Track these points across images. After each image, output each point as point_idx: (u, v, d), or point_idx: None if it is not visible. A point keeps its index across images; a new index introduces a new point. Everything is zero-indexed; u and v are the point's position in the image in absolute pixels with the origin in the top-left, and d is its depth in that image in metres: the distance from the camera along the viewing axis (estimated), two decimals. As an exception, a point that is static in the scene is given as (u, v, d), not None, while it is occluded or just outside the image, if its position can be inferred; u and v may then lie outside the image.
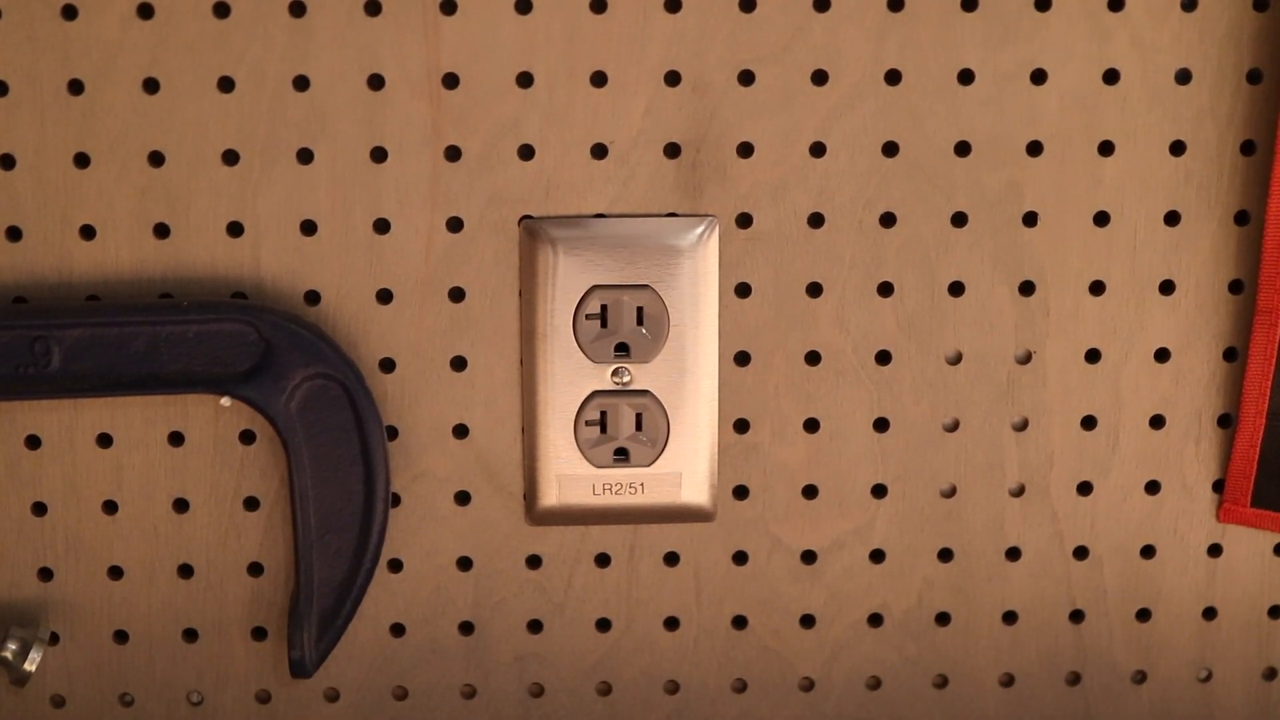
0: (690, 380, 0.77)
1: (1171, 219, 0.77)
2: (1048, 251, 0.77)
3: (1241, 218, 0.77)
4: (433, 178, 0.75)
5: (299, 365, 0.74)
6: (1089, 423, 0.79)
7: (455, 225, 0.75)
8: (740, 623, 0.80)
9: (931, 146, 0.76)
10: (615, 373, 0.76)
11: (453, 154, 0.75)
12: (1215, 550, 0.80)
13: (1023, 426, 0.79)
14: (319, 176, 0.74)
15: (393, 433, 0.77)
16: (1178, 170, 0.77)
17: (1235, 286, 0.78)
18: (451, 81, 0.74)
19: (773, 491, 0.79)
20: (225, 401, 0.75)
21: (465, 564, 0.79)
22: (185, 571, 0.78)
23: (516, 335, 0.76)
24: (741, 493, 0.79)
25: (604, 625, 0.80)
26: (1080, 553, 0.80)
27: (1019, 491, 0.79)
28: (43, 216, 0.74)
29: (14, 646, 0.75)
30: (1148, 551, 0.80)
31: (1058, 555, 0.80)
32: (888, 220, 0.76)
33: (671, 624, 0.80)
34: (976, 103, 0.75)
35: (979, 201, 0.76)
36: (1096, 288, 0.78)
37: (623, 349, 0.76)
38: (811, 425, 0.78)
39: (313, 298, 0.76)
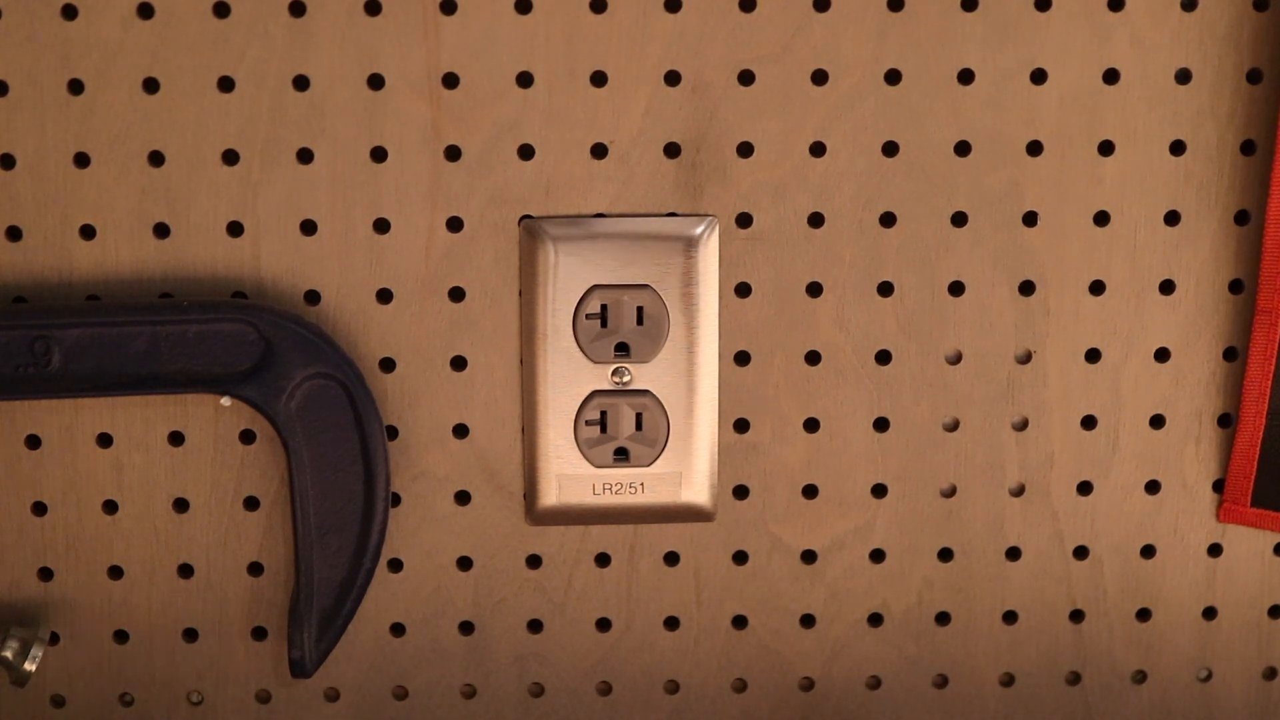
0: (690, 380, 0.77)
1: (1171, 219, 0.77)
2: (1048, 251, 0.77)
3: (1241, 218, 0.77)
4: (433, 178, 0.75)
5: (299, 365, 0.74)
6: (1089, 423, 0.79)
7: (455, 225, 0.75)
8: (740, 623, 0.80)
9: (931, 146, 0.76)
10: (615, 373, 0.76)
11: (453, 154, 0.75)
12: (1215, 550, 0.80)
13: (1023, 426, 0.79)
14: (319, 176, 0.74)
15: (393, 433, 0.77)
16: (1178, 170, 0.77)
17: (1235, 286, 0.78)
18: (451, 81, 0.74)
19: (773, 491, 0.79)
20: (225, 401, 0.75)
21: (465, 564, 0.79)
22: (185, 571, 0.78)
23: (516, 335, 0.76)
24: (741, 493, 0.79)
25: (604, 625, 0.80)
26: (1080, 552, 0.80)
27: (1019, 491, 0.79)
28: (43, 216, 0.74)
29: (14, 646, 0.75)
30: (1148, 551, 0.80)
31: (1058, 555, 0.80)
32: (888, 220, 0.76)
33: (671, 624, 0.80)
34: (976, 103, 0.75)
35: (979, 201, 0.76)
36: (1096, 288, 0.78)
37: (623, 349, 0.76)
38: (811, 425, 0.78)
39: (313, 297, 0.76)
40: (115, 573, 0.78)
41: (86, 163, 0.74)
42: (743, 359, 0.77)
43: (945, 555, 0.80)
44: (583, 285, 0.75)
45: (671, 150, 0.75)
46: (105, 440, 0.76)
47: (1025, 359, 0.78)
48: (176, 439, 0.77)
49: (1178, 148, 0.76)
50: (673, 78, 0.75)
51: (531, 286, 0.76)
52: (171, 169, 0.74)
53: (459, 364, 0.77)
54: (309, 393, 0.74)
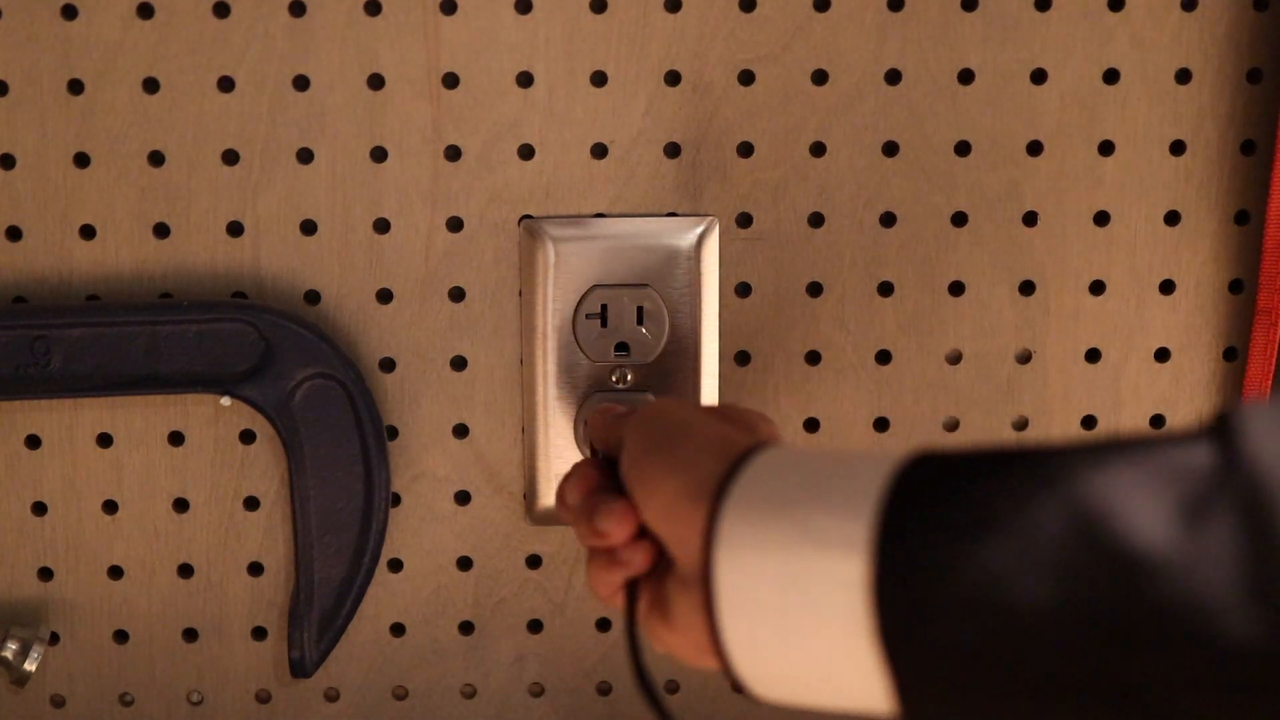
0: (690, 380, 0.77)
1: (1171, 219, 0.77)
2: (1048, 251, 0.77)
3: (1241, 218, 0.77)
4: (433, 178, 0.75)
5: (299, 365, 0.74)
6: (1089, 422, 0.79)
7: (455, 225, 0.75)
8: (740, 623, 0.80)
9: (931, 146, 0.76)
10: (615, 373, 0.76)
11: (453, 154, 0.75)
12: (1215, 550, 0.80)
13: (1023, 426, 0.79)
14: (319, 176, 0.74)
15: (393, 433, 0.77)
16: (1178, 170, 0.77)
17: (1235, 286, 0.78)
18: (451, 81, 0.74)
19: (773, 491, 0.79)
20: (225, 401, 0.75)
21: (465, 564, 0.79)
22: (185, 571, 0.78)
23: (516, 335, 0.76)
24: (741, 493, 0.79)
25: (604, 625, 0.80)
26: (1080, 553, 0.80)
27: (1019, 491, 0.79)
28: (43, 216, 0.74)
29: (14, 646, 0.75)
30: (1148, 551, 0.80)
31: (1058, 555, 0.80)
32: (888, 220, 0.76)
33: (671, 624, 0.80)
34: (976, 103, 0.75)
35: (979, 201, 0.76)
36: (1096, 288, 0.78)
37: (623, 349, 0.76)
38: (811, 425, 0.78)
39: (313, 297, 0.76)
40: (115, 573, 0.78)
41: (86, 163, 0.74)
42: (743, 359, 0.77)
43: (945, 555, 0.80)
44: (583, 285, 0.75)
45: (671, 150, 0.75)
46: (105, 440, 0.76)
47: (1025, 359, 0.78)
48: (176, 439, 0.77)
49: (1178, 148, 0.76)
50: (673, 78, 0.75)
51: (531, 286, 0.76)
52: (171, 169, 0.74)
53: (459, 364, 0.77)
54: (309, 393, 0.74)
